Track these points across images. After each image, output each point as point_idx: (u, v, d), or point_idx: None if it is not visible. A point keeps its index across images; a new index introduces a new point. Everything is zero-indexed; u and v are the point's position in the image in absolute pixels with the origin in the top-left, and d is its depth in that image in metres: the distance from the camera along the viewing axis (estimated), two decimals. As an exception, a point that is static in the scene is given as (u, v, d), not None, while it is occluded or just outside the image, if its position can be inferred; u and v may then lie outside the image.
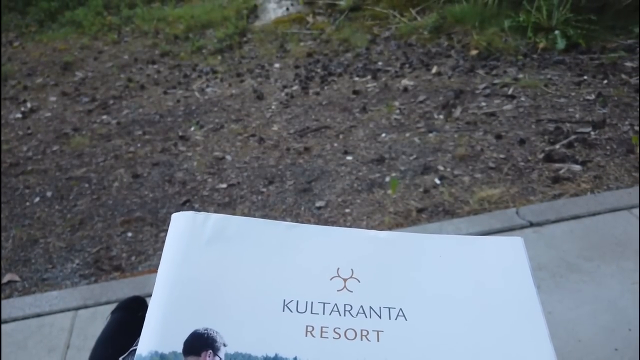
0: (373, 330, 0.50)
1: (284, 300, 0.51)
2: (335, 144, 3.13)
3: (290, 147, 3.16)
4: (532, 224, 2.33)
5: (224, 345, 0.49)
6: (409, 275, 0.55)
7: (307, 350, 0.48)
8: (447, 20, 4.31)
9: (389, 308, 0.52)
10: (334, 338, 0.49)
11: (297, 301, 0.51)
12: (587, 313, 1.90)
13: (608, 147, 2.82)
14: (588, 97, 3.24)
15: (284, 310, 0.51)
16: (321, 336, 0.49)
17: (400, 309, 0.52)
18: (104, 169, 3.14)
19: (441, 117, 3.25)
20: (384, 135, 3.16)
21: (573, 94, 3.30)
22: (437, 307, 0.52)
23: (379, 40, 4.35)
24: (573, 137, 2.90)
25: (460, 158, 2.86)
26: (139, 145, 3.35)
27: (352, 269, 0.54)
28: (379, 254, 0.56)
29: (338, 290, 0.53)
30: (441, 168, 2.81)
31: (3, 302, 2.21)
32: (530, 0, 4.02)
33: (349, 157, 2.99)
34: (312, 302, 0.52)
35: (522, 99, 3.31)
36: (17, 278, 2.40)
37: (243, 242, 0.55)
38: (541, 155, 2.79)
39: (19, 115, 3.87)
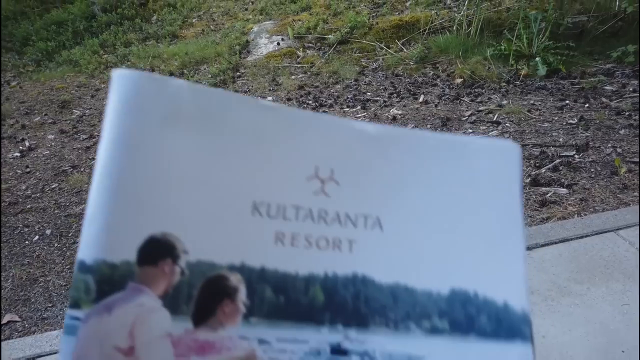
0: (346, 240, 0.46)
1: (254, 201, 0.45)
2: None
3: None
4: (521, 248, 2.38)
5: (185, 252, 0.43)
6: (392, 180, 0.49)
7: (275, 260, 0.44)
8: (432, 51, 4.45)
9: (366, 216, 0.47)
10: (304, 247, 0.45)
11: (269, 204, 0.45)
12: (580, 336, 1.93)
13: (592, 170, 2.90)
14: (571, 121, 3.34)
15: (253, 214, 0.45)
16: (292, 244, 0.45)
17: (378, 217, 0.47)
18: (101, 206, 3.19)
19: (430, 144, 3.34)
20: (375, 164, 3.23)
21: (556, 118, 3.41)
22: (416, 218, 0.48)
23: (367, 72, 4.48)
24: (558, 160, 2.98)
25: (449, 185, 2.93)
26: (136, 181, 3.41)
27: (332, 169, 0.48)
28: (362, 152, 0.49)
29: (314, 193, 0.47)
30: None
31: (3, 343, 2.23)
32: (510, 29, 4.17)
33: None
34: (285, 206, 0.46)
35: (507, 124, 3.42)
36: (17, 318, 2.42)
37: (208, 123, 0.46)
38: (527, 180, 2.87)
39: (18, 154, 3.94)
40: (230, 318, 0.44)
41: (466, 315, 0.47)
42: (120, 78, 0.43)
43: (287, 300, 0.45)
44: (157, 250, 0.42)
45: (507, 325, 0.47)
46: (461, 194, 0.49)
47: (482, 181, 0.50)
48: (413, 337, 0.46)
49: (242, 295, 0.44)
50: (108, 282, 0.40)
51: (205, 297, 0.44)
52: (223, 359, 0.44)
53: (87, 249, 0.40)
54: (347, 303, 0.46)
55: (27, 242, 2.96)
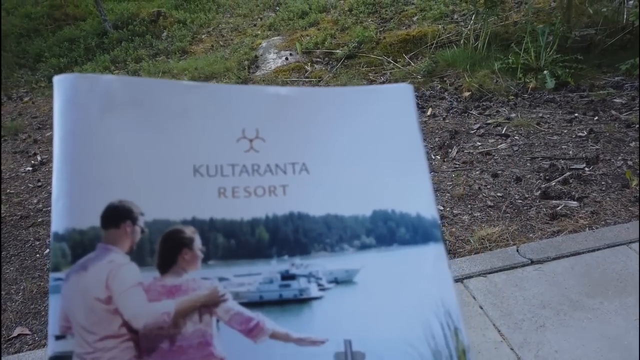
0: (280, 186, 0.54)
1: (194, 165, 0.53)
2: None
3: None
4: (533, 262, 2.36)
5: (141, 214, 0.50)
6: (310, 131, 0.57)
7: (221, 210, 0.52)
8: (439, 65, 4.47)
9: (293, 164, 0.55)
10: (244, 197, 0.53)
11: (207, 165, 0.53)
12: (593, 351, 1.90)
13: (603, 183, 2.88)
14: (580, 134, 3.33)
15: (195, 175, 0.52)
16: (233, 196, 0.53)
17: (304, 163, 0.56)
18: (111, 219, 3.21)
19: (438, 157, 3.34)
20: (384, 177, 3.23)
21: (565, 131, 3.40)
22: (336, 158, 0.57)
23: (376, 85, 4.50)
24: (568, 173, 2.97)
25: (458, 197, 2.93)
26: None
27: (257, 129, 0.56)
28: (281, 111, 0.58)
29: (245, 151, 0.55)
30: (441, 208, 2.87)
31: (13, 356, 2.23)
32: (518, 43, 4.19)
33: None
34: (221, 165, 0.53)
35: (516, 137, 3.41)
36: (27, 331, 2.42)
37: (141, 107, 0.53)
38: (538, 193, 2.85)
39: (29, 168, 3.98)
40: (190, 264, 0.52)
41: (388, 230, 0.56)
42: (60, 82, 0.50)
43: (238, 242, 0.53)
44: (117, 215, 0.49)
45: (422, 231, 0.57)
46: (369, 133, 0.58)
47: (384, 118, 0.59)
48: (347, 255, 0.55)
49: (197, 243, 0.52)
50: (80, 245, 0.48)
51: (166, 249, 0.51)
52: (190, 298, 0.51)
53: (58, 222, 0.47)
54: (289, 237, 0.54)
55: (37, 255, 2.98)
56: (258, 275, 0.53)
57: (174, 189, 0.51)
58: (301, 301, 0.54)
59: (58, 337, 0.48)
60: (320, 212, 0.55)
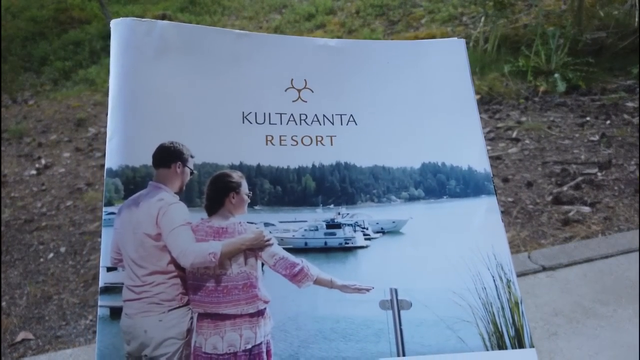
0: (327, 136, 0.55)
1: (243, 112, 0.54)
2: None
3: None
4: (545, 268, 2.32)
5: (191, 156, 0.52)
6: (358, 82, 0.58)
7: (268, 157, 0.53)
8: (448, 67, 4.43)
9: (341, 115, 0.56)
10: (291, 145, 0.54)
11: (256, 113, 0.55)
12: (607, 359, 1.86)
13: (616, 188, 2.83)
14: (592, 138, 3.28)
15: (243, 122, 0.54)
16: (280, 144, 0.54)
17: (351, 114, 0.57)
18: (116, 223, 3.18)
19: (447, 162, 3.30)
20: (391, 181, 3.20)
21: (577, 135, 3.35)
22: (384, 111, 0.57)
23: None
24: (580, 178, 2.92)
25: (468, 202, 2.88)
26: (150, 198, 3.41)
27: (305, 80, 0.57)
28: (329, 62, 0.58)
29: (293, 101, 0.56)
30: (450, 213, 2.83)
31: (16, 362, 2.21)
32: (528, 46, 4.14)
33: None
34: (269, 113, 0.55)
35: (527, 141, 3.36)
36: (31, 336, 2.40)
37: (194, 52, 0.55)
38: (549, 198, 2.81)
39: (34, 172, 3.97)
40: (237, 207, 0.54)
41: (438, 182, 0.57)
42: (118, 25, 0.54)
43: (284, 189, 0.54)
44: (168, 155, 0.52)
45: (473, 184, 0.58)
46: (420, 85, 0.59)
47: (435, 72, 0.60)
48: (395, 206, 0.56)
49: (244, 188, 0.54)
50: (132, 182, 0.50)
51: (214, 192, 0.53)
52: (236, 240, 0.52)
53: (112, 158, 0.50)
54: (335, 186, 0.55)
55: (41, 259, 2.96)
56: (303, 222, 0.55)
57: (223, 134, 0.53)
58: (346, 249, 0.55)
59: (109, 269, 0.50)
60: (367, 163, 0.56)
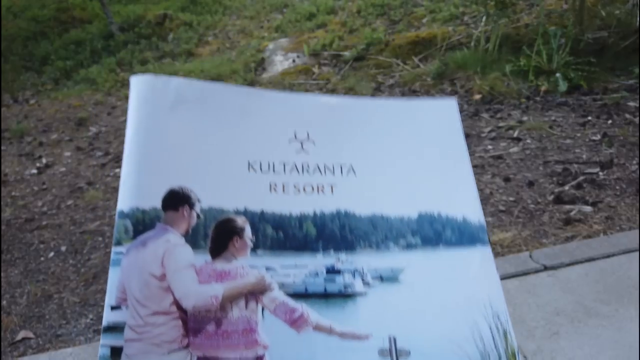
0: (327, 184, 0.58)
1: (249, 161, 0.57)
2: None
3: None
4: (546, 268, 2.31)
5: (199, 200, 0.54)
6: (357, 136, 0.61)
7: (272, 204, 0.56)
8: (450, 67, 4.42)
9: (341, 165, 0.59)
10: (294, 193, 0.57)
11: (261, 162, 0.58)
12: (608, 359, 1.85)
13: (617, 187, 2.83)
14: (594, 138, 3.27)
15: (249, 170, 0.57)
16: (283, 192, 0.57)
17: (351, 165, 0.60)
18: (117, 222, 3.18)
19: (449, 161, 3.29)
20: (392, 181, 3.19)
21: (578, 134, 3.34)
22: (382, 162, 0.60)
23: (384, 88, 4.46)
24: (581, 178, 2.91)
25: (469, 202, 2.87)
26: (151, 197, 3.40)
27: (307, 132, 0.61)
28: (331, 118, 0.62)
29: (296, 152, 0.59)
30: (451, 212, 2.83)
31: (17, 361, 2.20)
32: (529, 45, 4.13)
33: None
34: (273, 163, 0.58)
35: (528, 141, 3.35)
36: (31, 335, 2.39)
37: (206, 106, 0.59)
38: (551, 197, 2.80)
39: (35, 171, 3.97)
40: (240, 251, 0.55)
41: (434, 232, 0.59)
42: (137, 80, 0.58)
43: (285, 235, 0.56)
44: (177, 199, 0.54)
45: (468, 234, 0.59)
46: (416, 141, 0.62)
47: (430, 128, 0.63)
48: (393, 253, 0.57)
49: (248, 232, 0.55)
50: (141, 223, 0.52)
51: (218, 235, 0.55)
52: (238, 283, 0.54)
53: (124, 201, 0.52)
54: (335, 233, 0.57)
55: (42, 258, 2.96)
56: (304, 267, 0.56)
57: (229, 180, 0.56)
58: (345, 296, 0.56)
59: (113, 308, 0.51)
60: (366, 211, 0.58)
